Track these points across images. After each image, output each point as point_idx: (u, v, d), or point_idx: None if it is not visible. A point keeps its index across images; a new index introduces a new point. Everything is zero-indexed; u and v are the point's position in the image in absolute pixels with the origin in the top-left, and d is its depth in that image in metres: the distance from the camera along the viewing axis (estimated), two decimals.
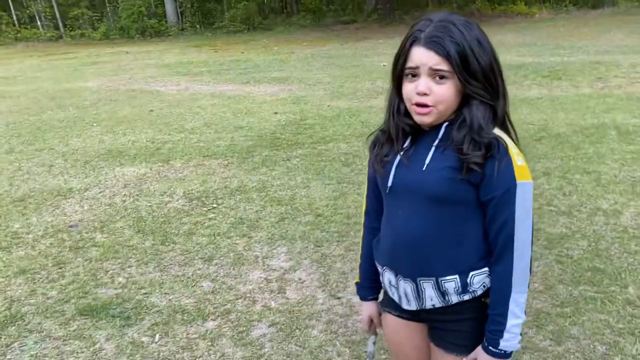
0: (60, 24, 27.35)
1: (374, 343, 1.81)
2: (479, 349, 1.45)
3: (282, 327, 2.92)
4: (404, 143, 1.45)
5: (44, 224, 4.41)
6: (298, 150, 6.10)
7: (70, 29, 27.14)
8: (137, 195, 5.00)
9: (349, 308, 3.06)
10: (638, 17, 18.80)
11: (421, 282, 1.45)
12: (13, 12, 27.35)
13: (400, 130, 1.45)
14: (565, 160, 5.16)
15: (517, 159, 1.33)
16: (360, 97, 9.02)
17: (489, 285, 1.43)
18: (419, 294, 1.47)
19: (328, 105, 8.45)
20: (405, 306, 1.53)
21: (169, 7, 26.45)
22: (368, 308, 1.75)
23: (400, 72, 1.39)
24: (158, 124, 7.90)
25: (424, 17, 1.36)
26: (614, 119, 6.49)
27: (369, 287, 1.72)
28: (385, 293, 1.64)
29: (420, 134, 1.44)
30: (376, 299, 1.74)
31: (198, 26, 26.41)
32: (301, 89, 10.20)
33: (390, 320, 1.65)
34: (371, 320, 1.75)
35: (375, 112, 7.71)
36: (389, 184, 1.46)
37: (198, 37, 24.29)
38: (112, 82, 12.35)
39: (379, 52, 14.86)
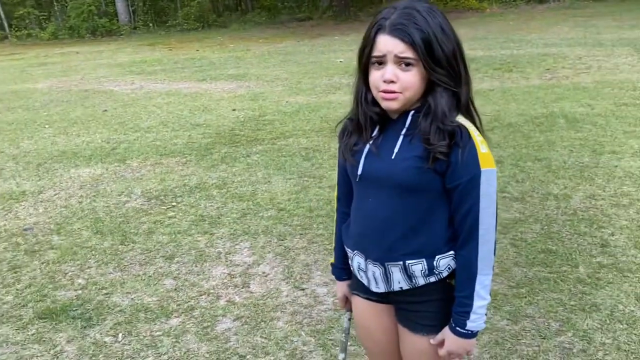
0: (5, 24, 26.31)
1: (349, 319, 1.85)
2: (446, 329, 1.48)
3: (247, 320, 2.93)
4: (372, 132, 1.47)
5: None
6: (258, 146, 6.09)
7: (16, 29, 26.14)
8: (94, 196, 4.90)
9: (313, 299, 3.09)
10: (582, 11, 19.48)
11: (389, 266, 1.48)
12: None
13: (368, 118, 1.46)
14: (517, 149, 5.33)
15: (481, 146, 1.36)
16: (318, 92, 9.05)
17: (453, 267, 1.47)
18: (387, 277, 1.50)
19: (287, 101, 8.46)
20: (374, 289, 1.57)
21: (120, 6, 25.83)
22: (343, 287, 1.79)
23: (366, 60, 1.40)
24: (113, 124, 7.74)
25: (388, 6, 1.37)
26: (563, 108, 6.73)
27: (343, 268, 1.76)
28: (354, 276, 1.67)
29: (388, 123, 1.46)
30: (350, 278, 1.78)
31: (151, 25, 25.87)
32: (259, 85, 10.16)
33: (359, 302, 1.69)
34: (346, 298, 1.80)
35: (334, 107, 7.76)
36: (359, 172, 1.48)
37: (151, 35, 23.82)
38: (62, 83, 12.01)
39: (335, 49, 14.93)
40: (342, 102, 7.97)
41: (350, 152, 1.50)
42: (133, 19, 26.20)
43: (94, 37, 24.51)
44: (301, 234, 3.88)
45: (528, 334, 2.66)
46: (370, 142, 1.46)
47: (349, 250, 1.62)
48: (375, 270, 1.52)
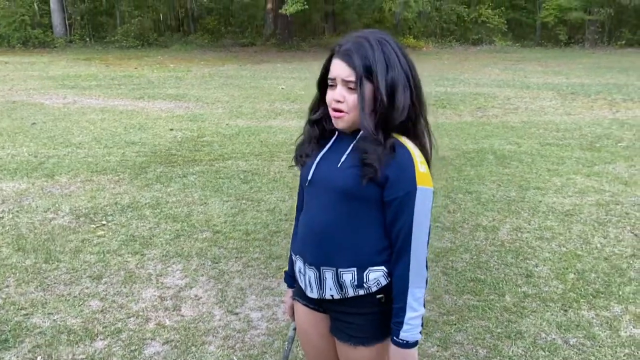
0: None
1: (294, 329, 1.87)
2: (389, 340, 1.53)
3: (177, 344, 2.83)
4: (326, 144, 1.57)
5: None
6: (195, 167, 5.99)
7: None
8: (17, 211, 4.64)
9: (246, 323, 3.03)
10: (511, 55, 20.65)
11: (323, 270, 1.54)
12: None
13: (318, 132, 1.58)
14: (449, 181, 5.51)
15: (420, 166, 1.45)
16: (259, 117, 9.05)
17: (382, 284, 1.52)
18: (320, 282, 1.56)
19: (227, 124, 8.40)
20: (309, 294, 1.62)
21: (56, 18, 24.96)
22: (291, 295, 1.82)
23: (323, 79, 1.53)
24: (41, 137, 7.41)
25: (349, 33, 1.51)
26: (492, 145, 7.05)
27: (294, 276, 1.78)
28: (297, 282, 1.71)
29: (342, 138, 1.55)
30: None
31: (88, 39, 25.12)
32: (198, 107, 10.05)
33: (300, 308, 1.74)
34: (293, 307, 1.82)
35: (274, 132, 7.78)
36: (309, 177, 1.57)
37: (88, 50, 23.13)
38: None
39: (277, 76, 15.04)
40: (283, 127, 8.01)
41: (305, 158, 1.60)
42: (69, 32, 25.36)
43: (26, 47, 23.50)
44: (236, 257, 3.82)
45: (457, 359, 2.72)
46: (323, 152, 1.57)
47: (293, 255, 1.69)
48: (310, 274, 1.57)
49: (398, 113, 1.46)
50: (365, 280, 1.51)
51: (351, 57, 1.43)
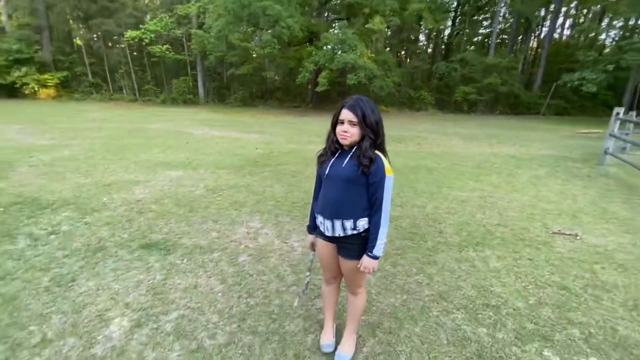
0: (137, 93, 25.45)
1: (313, 254, 1.87)
2: (364, 255, 1.56)
3: (255, 256, 2.87)
4: (334, 155, 1.60)
5: (121, 199, 4.08)
6: (268, 168, 6.01)
7: (143, 96, 25.31)
8: (177, 186, 4.73)
9: (291, 247, 3.05)
10: (438, 117, 20.19)
11: (335, 221, 1.56)
12: (110, 84, 25.31)
13: (333, 148, 1.60)
14: (400, 181, 5.41)
15: (387, 165, 1.49)
16: (302, 143, 9.03)
17: (366, 227, 1.54)
18: (333, 227, 1.58)
19: (285, 146, 8.41)
20: (326, 234, 1.64)
21: (201, 90, 25.32)
22: (311, 237, 1.83)
23: (335, 121, 1.55)
24: (191, 149, 7.52)
25: (351, 97, 1.52)
26: (425, 163, 6.90)
27: (313, 226, 1.80)
28: (318, 227, 1.71)
29: (343, 152, 1.57)
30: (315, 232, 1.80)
31: (215, 101, 25.39)
32: (271, 137, 10.07)
33: (320, 242, 1.74)
34: (312, 244, 1.83)
35: (310, 151, 7.74)
36: (327, 172, 1.58)
37: (216, 107, 23.37)
38: (165, 126, 11.63)
39: (313, 123, 15.00)
40: (314, 149, 7.89)
41: (323, 163, 1.62)
42: (206, 97, 25.74)
43: (185, 104, 23.86)
44: (287, 214, 3.83)
45: (400, 274, 2.70)
46: (333, 159, 1.59)
47: (316, 213, 1.68)
48: (328, 224, 1.59)
49: (380, 138, 1.51)
50: (357, 225, 1.53)
51: (354, 108, 1.47)
